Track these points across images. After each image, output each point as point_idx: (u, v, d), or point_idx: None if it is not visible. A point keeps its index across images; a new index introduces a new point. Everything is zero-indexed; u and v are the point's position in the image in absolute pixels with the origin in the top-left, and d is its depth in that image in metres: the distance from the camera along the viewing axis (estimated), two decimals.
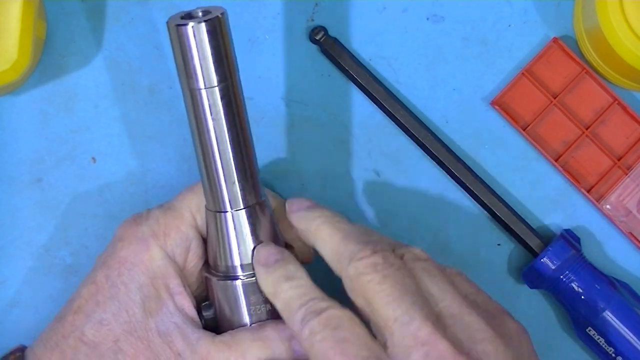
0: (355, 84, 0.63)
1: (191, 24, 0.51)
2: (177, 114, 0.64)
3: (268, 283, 0.54)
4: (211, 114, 0.53)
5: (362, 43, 0.64)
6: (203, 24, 0.51)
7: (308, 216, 0.55)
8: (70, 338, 0.55)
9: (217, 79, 0.52)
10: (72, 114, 0.64)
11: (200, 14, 0.53)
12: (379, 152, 0.64)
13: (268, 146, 0.64)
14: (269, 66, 0.64)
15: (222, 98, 0.53)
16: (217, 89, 0.52)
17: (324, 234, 0.54)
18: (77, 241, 0.64)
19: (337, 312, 0.51)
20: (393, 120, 0.64)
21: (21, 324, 0.64)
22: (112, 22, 0.64)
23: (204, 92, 0.52)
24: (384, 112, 0.64)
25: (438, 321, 0.50)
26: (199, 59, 0.52)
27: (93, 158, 0.64)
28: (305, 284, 0.53)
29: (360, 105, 0.64)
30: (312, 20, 0.64)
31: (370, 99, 0.64)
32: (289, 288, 0.53)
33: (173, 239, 0.56)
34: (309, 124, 0.64)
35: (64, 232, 0.64)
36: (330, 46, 0.63)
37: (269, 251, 0.55)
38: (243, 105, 0.54)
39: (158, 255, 0.56)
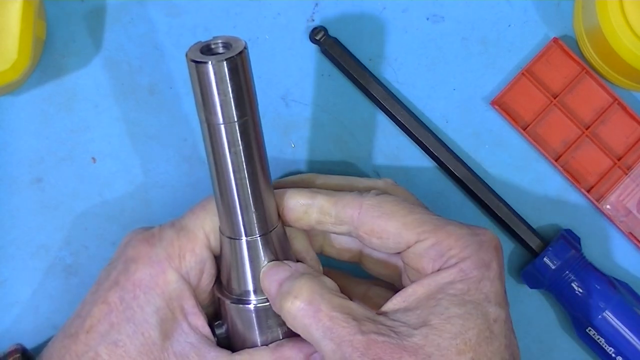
0: (355, 84, 0.63)
1: (211, 62, 0.50)
2: (177, 114, 0.64)
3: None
4: (229, 148, 0.52)
5: (362, 43, 0.64)
6: (224, 63, 0.50)
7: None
8: (84, 358, 0.55)
9: (237, 114, 0.51)
10: (72, 114, 0.64)
11: (220, 47, 0.52)
12: (379, 152, 0.64)
13: (268, 146, 0.63)
14: (269, 66, 0.64)
15: (241, 133, 0.52)
16: (236, 124, 0.51)
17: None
18: (77, 241, 0.64)
19: None
20: (393, 120, 0.64)
21: (21, 324, 0.64)
22: (112, 22, 0.64)
23: (222, 127, 0.51)
24: (384, 112, 0.64)
25: None
26: (219, 96, 0.50)
27: (93, 158, 0.64)
28: None
29: (360, 105, 0.64)
30: (312, 20, 0.64)
31: (370, 99, 0.64)
32: None
33: (188, 261, 0.56)
34: (309, 124, 0.64)
35: (64, 232, 0.64)
36: (330, 46, 0.63)
37: None
38: (261, 137, 0.53)
39: (174, 278, 0.55)
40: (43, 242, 0.64)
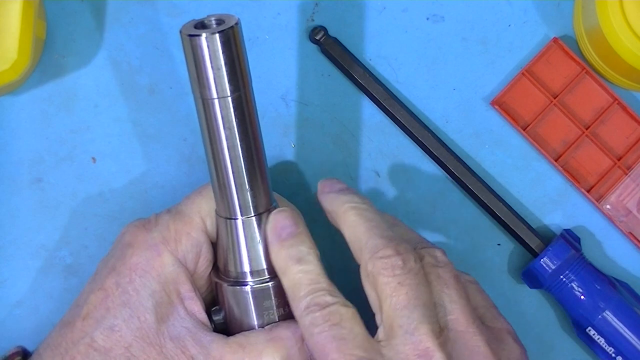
0: (355, 84, 0.63)
1: (205, 34, 0.51)
2: (177, 114, 0.64)
3: (278, 258, 0.54)
4: (223, 124, 0.52)
5: (362, 43, 0.64)
6: (217, 35, 0.51)
7: (338, 199, 0.55)
8: (80, 344, 0.55)
9: (231, 89, 0.52)
10: (72, 114, 0.64)
11: (213, 23, 0.52)
12: (379, 152, 0.64)
13: (268, 146, 0.64)
14: (269, 66, 0.64)
15: (235, 108, 0.52)
16: (230, 98, 0.52)
17: (350, 221, 0.54)
18: (77, 241, 0.64)
19: (341, 309, 0.52)
20: (393, 120, 0.64)
21: (21, 324, 0.64)
22: (112, 22, 0.64)
23: (216, 102, 0.52)
24: (384, 112, 0.64)
25: (441, 334, 0.52)
26: (212, 70, 0.51)
27: (93, 158, 0.64)
28: (315, 269, 0.53)
29: (360, 105, 0.64)
30: (312, 20, 0.64)
31: (370, 99, 0.64)
32: (298, 271, 0.53)
33: (184, 245, 0.56)
34: (309, 124, 0.64)
35: (64, 232, 0.64)
36: (330, 46, 0.63)
37: (284, 222, 0.54)
38: (255, 114, 0.54)
39: (170, 261, 0.55)
40: (43, 242, 0.64)
